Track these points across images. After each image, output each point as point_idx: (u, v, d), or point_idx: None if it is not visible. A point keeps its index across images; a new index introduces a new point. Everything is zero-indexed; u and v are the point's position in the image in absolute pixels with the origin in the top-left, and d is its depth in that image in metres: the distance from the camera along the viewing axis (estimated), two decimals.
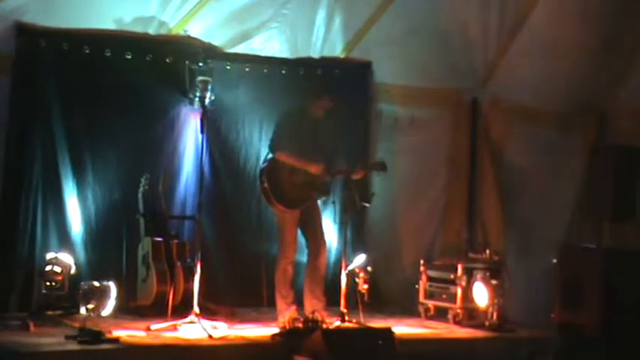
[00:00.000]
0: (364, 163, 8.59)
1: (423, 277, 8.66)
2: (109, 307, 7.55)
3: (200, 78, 8.16)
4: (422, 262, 8.73)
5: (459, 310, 8.27)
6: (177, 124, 8.57)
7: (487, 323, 8.00)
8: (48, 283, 7.49)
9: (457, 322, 8.24)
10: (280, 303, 7.83)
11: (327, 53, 9.17)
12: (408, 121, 9.55)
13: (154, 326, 7.21)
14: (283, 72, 8.97)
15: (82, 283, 7.37)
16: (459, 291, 8.28)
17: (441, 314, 8.49)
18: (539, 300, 8.74)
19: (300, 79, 8.92)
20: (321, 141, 7.89)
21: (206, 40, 8.60)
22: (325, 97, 7.94)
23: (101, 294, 7.30)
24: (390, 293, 9.09)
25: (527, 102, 9.49)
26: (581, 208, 9.28)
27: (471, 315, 8.26)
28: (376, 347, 6.75)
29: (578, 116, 9.52)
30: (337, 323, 7.53)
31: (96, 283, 7.33)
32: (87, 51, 8.20)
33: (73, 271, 7.63)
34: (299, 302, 7.90)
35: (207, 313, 7.58)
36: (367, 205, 8.18)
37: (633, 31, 8.81)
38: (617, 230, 8.70)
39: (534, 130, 9.56)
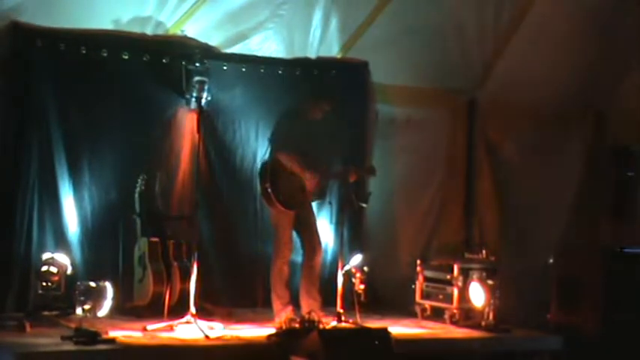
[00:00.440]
0: (360, 164, 8.61)
1: (420, 278, 8.66)
2: (105, 307, 7.54)
3: (197, 78, 8.18)
4: (418, 262, 8.73)
5: (455, 311, 8.27)
6: (174, 125, 8.56)
7: (483, 323, 8.00)
8: (44, 284, 7.47)
9: (453, 323, 8.24)
10: (276, 303, 7.84)
11: (323, 54, 9.16)
12: (405, 122, 9.56)
13: (150, 327, 7.21)
14: (280, 72, 8.96)
15: (79, 283, 7.36)
16: (456, 291, 8.28)
17: (437, 314, 8.49)
18: (535, 300, 8.74)
19: (296, 80, 8.91)
20: (319, 142, 7.91)
21: (203, 40, 8.59)
22: (323, 99, 7.95)
23: (97, 294, 7.29)
24: (386, 293, 9.09)
25: (524, 102, 9.49)
26: (579, 207, 9.28)
27: (467, 315, 8.26)
28: (373, 347, 6.75)
29: (576, 116, 9.51)
30: (334, 323, 7.53)
31: (92, 284, 7.32)
32: (84, 51, 8.19)
33: (69, 271, 7.61)
34: (295, 302, 7.91)
35: (203, 313, 7.59)
36: (364, 205, 8.20)
37: (631, 30, 8.82)
38: (615, 230, 8.70)
39: (531, 130, 9.56)
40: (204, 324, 7.23)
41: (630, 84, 9.13)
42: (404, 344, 7.14)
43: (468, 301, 8.21)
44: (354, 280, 7.78)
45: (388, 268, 9.20)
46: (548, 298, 8.66)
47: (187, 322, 7.26)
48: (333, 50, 9.24)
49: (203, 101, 8.06)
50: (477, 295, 8.12)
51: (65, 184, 8.13)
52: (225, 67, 8.74)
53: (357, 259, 7.86)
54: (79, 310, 7.06)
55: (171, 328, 7.23)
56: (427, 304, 8.59)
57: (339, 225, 8.05)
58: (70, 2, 8.15)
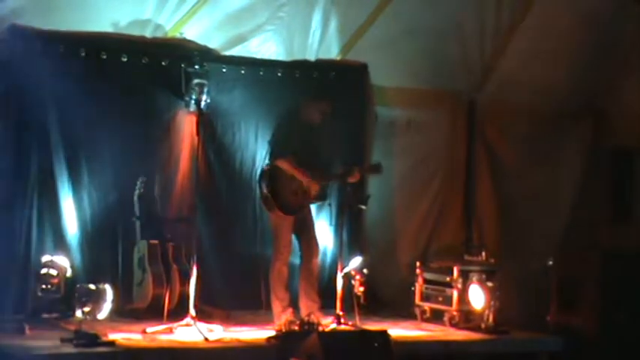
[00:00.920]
0: (361, 165, 8.61)
1: (419, 280, 8.65)
2: (104, 309, 7.51)
3: (196, 81, 8.18)
4: (418, 264, 8.71)
5: (455, 313, 8.26)
6: (173, 127, 8.56)
7: (483, 326, 7.99)
8: (44, 286, 7.44)
9: (453, 325, 8.23)
10: (276, 305, 7.84)
11: (323, 56, 9.17)
12: (405, 123, 9.56)
13: (150, 329, 7.22)
14: (279, 74, 8.94)
15: (78, 285, 7.33)
16: (455, 293, 8.26)
17: (436, 317, 8.48)
18: (535, 301, 8.74)
19: (296, 82, 8.91)
20: (318, 144, 7.91)
21: (202, 42, 8.60)
22: (323, 101, 7.95)
23: (97, 297, 7.27)
24: (386, 296, 9.09)
25: (523, 103, 9.51)
26: (578, 209, 9.29)
27: (467, 317, 8.25)
28: (372, 350, 6.74)
29: (575, 118, 9.53)
30: (333, 326, 7.53)
31: (92, 286, 7.30)
32: (83, 53, 8.19)
33: (68, 273, 7.58)
34: (294, 305, 7.91)
35: (203, 315, 7.58)
36: (363, 207, 8.21)
37: (629, 31, 8.83)
38: (614, 231, 8.71)
39: (531, 131, 9.58)
40: (203, 326, 7.23)
41: (629, 85, 9.15)
42: (403, 346, 7.15)
43: (468, 303, 8.20)
44: (353, 282, 7.77)
45: (388, 271, 9.20)
46: (547, 299, 8.65)
47: (187, 325, 7.26)
48: (333, 52, 9.24)
49: (202, 103, 8.05)
50: (477, 297, 8.11)
51: (65, 186, 8.13)
52: (224, 70, 8.73)
53: (356, 261, 7.85)
54: (78, 313, 7.05)
55: (170, 331, 7.23)
56: (427, 306, 8.58)
57: (338, 227, 8.05)
58: (69, 5, 8.15)
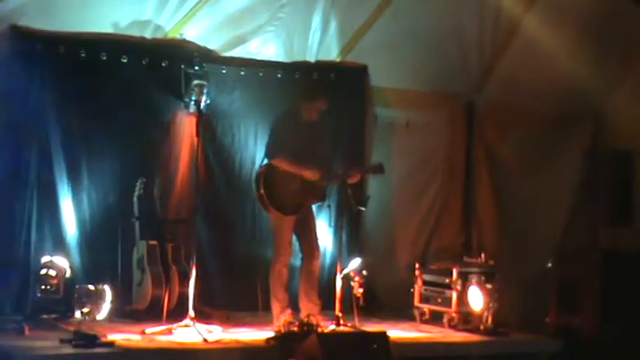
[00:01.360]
0: (361, 166, 8.62)
1: (419, 281, 8.65)
2: (104, 310, 7.52)
3: (196, 82, 8.18)
4: (417, 265, 8.72)
5: (454, 314, 8.26)
6: (173, 128, 8.57)
7: (482, 327, 7.99)
8: (43, 287, 7.45)
9: (452, 326, 8.23)
10: (276, 306, 7.84)
11: (322, 57, 9.17)
12: (404, 125, 9.56)
13: (149, 330, 7.23)
14: (279, 76, 8.95)
15: (77, 286, 7.34)
16: (454, 295, 8.26)
17: (436, 318, 8.48)
18: (534, 303, 8.75)
19: (295, 83, 8.90)
20: (317, 144, 7.90)
21: (202, 43, 8.60)
22: (319, 99, 7.94)
23: (96, 297, 7.27)
24: (385, 297, 9.10)
25: (523, 105, 9.50)
26: (577, 211, 9.29)
27: (466, 319, 8.25)
28: (371, 351, 6.75)
29: (574, 119, 9.52)
30: (332, 327, 7.52)
31: (91, 287, 7.30)
32: (83, 54, 8.19)
33: (68, 274, 7.58)
34: (294, 306, 7.90)
35: (202, 316, 7.59)
36: (363, 208, 8.20)
37: (629, 33, 8.82)
38: (614, 233, 8.71)
39: (530, 133, 9.57)
40: (202, 327, 7.23)
41: (629, 86, 9.14)
42: (402, 348, 7.14)
43: (467, 304, 8.20)
44: (352, 283, 7.77)
45: (387, 272, 9.20)
46: (547, 301, 8.66)
47: (186, 326, 7.26)
48: (332, 54, 9.24)
49: (202, 105, 8.04)
50: (476, 298, 8.11)
51: (64, 187, 8.14)
52: (224, 71, 8.74)
53: (355, 262, 7.85)
54: (77, 314, 7.05)
55: (169, 332, 7.23)
56: (426, 307, 8.58)
57: (337, 228, 8.04)
58: (69, 6, 8.15)
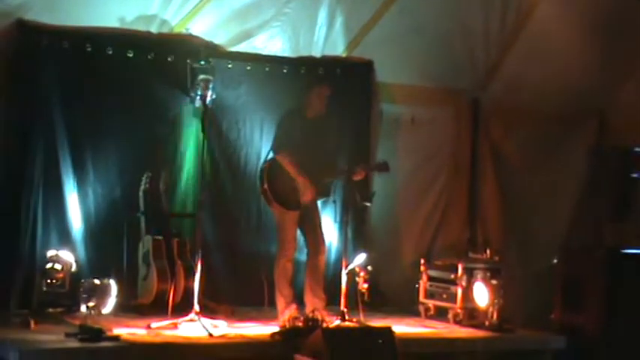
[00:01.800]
0: (366, 163, 8.61)
1: (424, 277, 8.65)
2: (109, 304, 7.55)
3: (201, 76, 8.16)
4: (422, 261, 8.72)
5: (459, 310, 8.26)
6: (179, 123, 8.57)
7: (487, 323, 7.98)
8: (49, 281, 7.48)
9: (457, 322, 8.23)
10: (280, 302, 7.84)
11: (328, 52, 9.15)
12: (410, 121, 9.56)
13: (154, 324, 7.22)
14: (285, 71, 8.94)
15: (83, 280, 7.36)
16: (460, 291, 8.27)
17: (441, 314, 8.48)
18: (539, 300, 8.75)
19: (301, 78, 8.89)
20: (322, 140, 7.89)
21: (208, 38, 8.59)
22: (323, 85, 7.93)
23: (102, 292, 7.29)
24: (390, 292, 9.09)
25: (527, 103, 9.51)
26: (582, 208, 9.29)
27: (471, 315, 8.25)
28: (376, 346, 6.74)
29: (578, 117, 9.54)
30: (337, 322, 7.52)
31: (96, 281, 7.32)
32: (89, 49, 8.18)
33: (73, 268, 7.62)
34: (299, 301, 7.91)
35: (207, 311, 7.58)
36: (368, 204, 8.20)
37: (633, 32, 8.82)
38: (619, 230, 8.70)
39: (535, 130, 9.58)
40: (208, 322, 7.23)
41: (633, 84, 9.14)
42: (407, 343, 7.14)
43: (472, 300, 8.20)
44: (357, 279, 7.76)
45: (392, 268, 9.20)
46: (551, 298, 8.66)
47: (191, 320, 7.25)
48: (339, 49, 9.23)
49: (208, 99, 8.04)
50: (481, 294, 8.11)
51: (70, 181, 8.14)
52: (230, 66, 8.74)
53: (360, 258, 7.84)
54: (83, 308, 7.07)
55: (175, 326, 7.23)
56: (431, 303, 8.59)
57: (343, 224, 8.04)
58: (75, 0, 8.15)
